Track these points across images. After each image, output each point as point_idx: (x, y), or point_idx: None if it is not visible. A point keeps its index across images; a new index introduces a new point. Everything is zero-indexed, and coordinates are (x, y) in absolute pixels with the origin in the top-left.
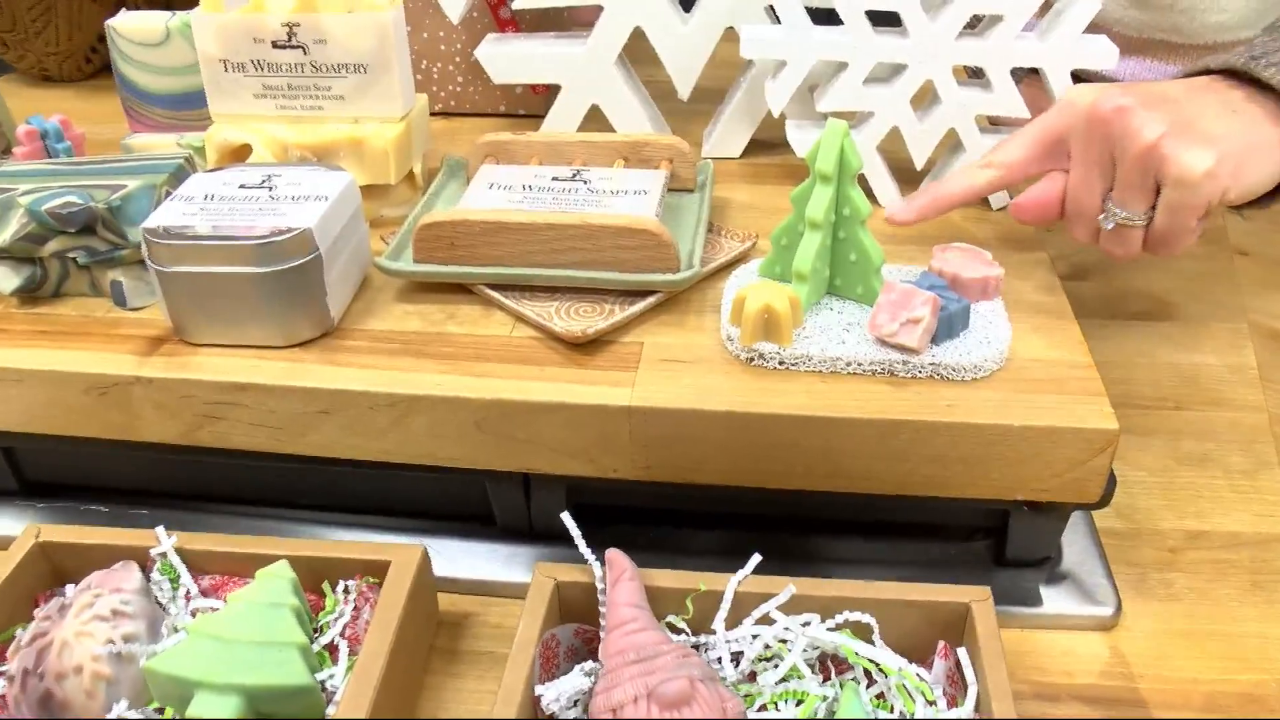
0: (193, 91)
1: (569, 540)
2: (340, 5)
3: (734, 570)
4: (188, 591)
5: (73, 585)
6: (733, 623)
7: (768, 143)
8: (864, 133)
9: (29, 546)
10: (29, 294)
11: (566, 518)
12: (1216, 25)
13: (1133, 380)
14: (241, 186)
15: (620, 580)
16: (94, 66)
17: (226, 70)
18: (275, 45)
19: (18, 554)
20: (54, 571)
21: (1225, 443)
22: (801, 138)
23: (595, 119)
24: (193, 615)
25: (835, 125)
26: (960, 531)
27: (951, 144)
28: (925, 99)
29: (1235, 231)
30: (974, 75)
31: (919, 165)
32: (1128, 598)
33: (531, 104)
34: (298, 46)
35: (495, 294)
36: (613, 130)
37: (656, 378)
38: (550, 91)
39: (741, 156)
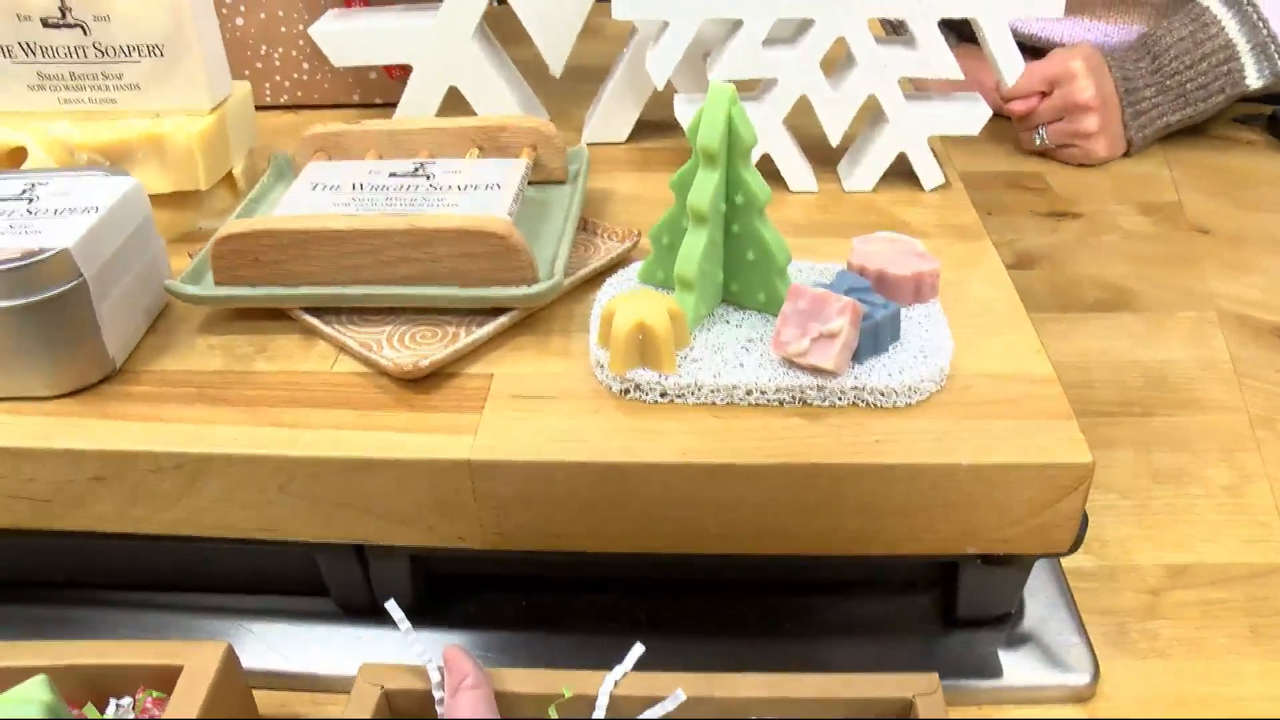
0: None
1: (419, 620)
2: None
3: (627, 646)
4: None
5: None
6: None
7: (659, 124)
8: (767, 104)
9: None
10: None
11: (392, 607)
12: None
13: (1093, 383)
14: None
15: (461, 689)
16: None
17: None
18: (46, 24)
19: None
20: None
21: (1202, 452)
22: (693, 113)
23: (457, 105)
24: None
25: (719, 89)
26: (889, 586)
27: (872, 114)
28: (838, 62)
29: (1193, 209)
30: (893, 31)
31: (834, 140)
32: (1106, 657)
33: (389, 91)
34: (75, 25)
35: (314, 320)
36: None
37: (505, 421)
38: (409, 74)
39: (628, 141)
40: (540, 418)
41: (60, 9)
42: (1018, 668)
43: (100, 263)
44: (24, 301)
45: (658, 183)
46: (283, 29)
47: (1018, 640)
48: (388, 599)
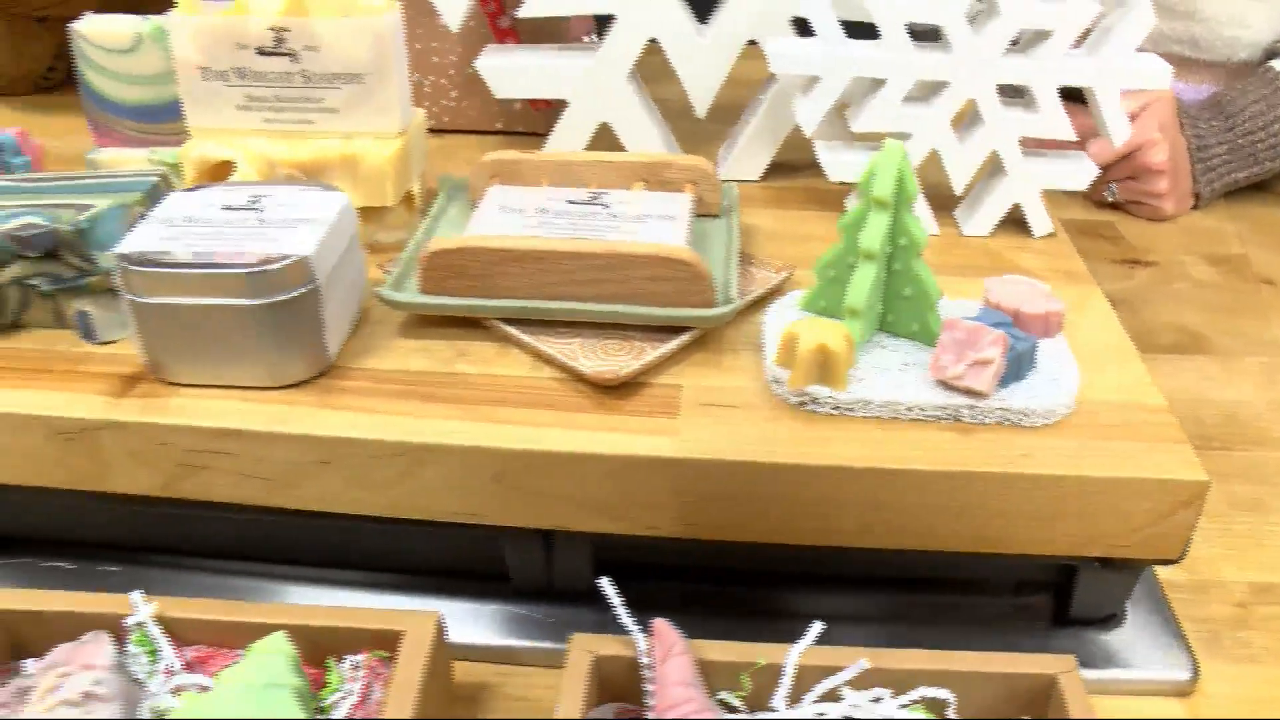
0: (166, 102)
1: (591, 601)
2: (333, 8)
3: (765, 629)
4: (168, 666)
5: (34, 660)
6: (792, 700)
7: (786, 165)
8: None
9: None
10: None
11: (605, 584)
12: (1232, 40)
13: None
14: (226, 208)
15: (670, 655)
16: (51, 82)
17: (205, 79)
18: (261, 52)
19: None
20: (12, 643)
21: (1278, 486)
22: (833, 160)
23: (600, 138)
24: (174, 694)
25: (893, 147)
26: (1008, 585)
27: (990, 166)
28: (963, 119)
29: (1259, 262)
30: (1010, 94)
31: (958, 189)
32: (1202, 658)
33: (531, 121)
34: (286, 54)
35: (512, 330)
36: (621, 150)
37: (701, 425)
38: (552, 107)
39: (760, 179)
40: (729, 424)
41: (275, 40)
42: (1123, 663)
43: (328, 269)
44: (266, 301)
45: (792, 219)
46: (434, 59)
47: (1122, 639)
48: (567, 582)
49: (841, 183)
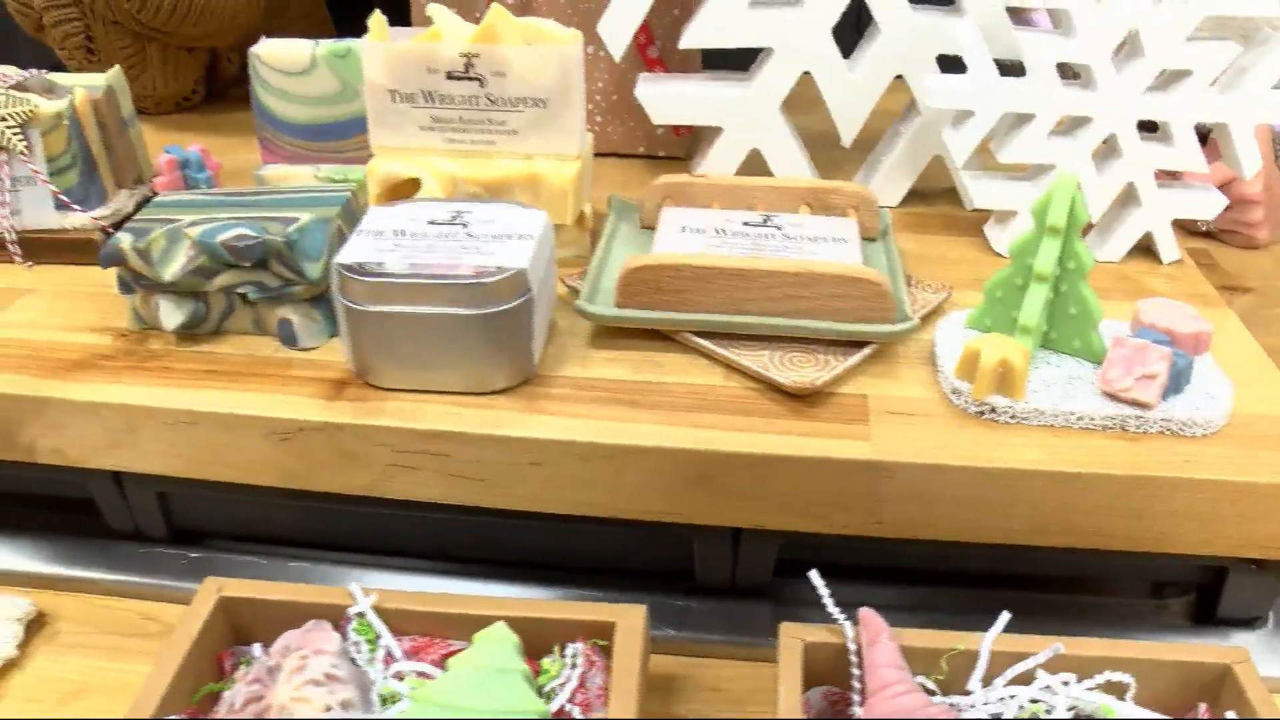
0: (332, 122)
1: (767, 597)
2: (519, 37)
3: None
4: (388, 654)
5: (258, 644)
6: (984, 683)
7: (921, 192)
8: (1042, 186)
9: (213, 603)
10: (190, 331)
11: (815, 576)
12: None
13: None
14: (431, 223)
15: (878, 640)
16: (191, 104)
17: (394, 101)
18: (450, 76)
19: (203, 611)
20: (233, 629)
21: None
22: (979, 189)
23: (747, 163)
24: (398, 680)
25: (1067, 177)
26: (1147, 587)
27: (1124, 197)
28: (1100, 151)
29: None
30: (1145, 128)
31: (1093, 218)
32: None
33: (672, 145)
34: (474, 78)
35: (705, 342)
36: (769, 175)
37: (891, 431)
38: (694, 133)
39: (898, 205)
40: (916, 430)
41: (465, 65)
42: (1270, 664)
43: (538, 281)
44: (484, 311)
45: (932, 243)
46: None
47: (1266, 641)
48: (749, 579)
49: (975, 209)
